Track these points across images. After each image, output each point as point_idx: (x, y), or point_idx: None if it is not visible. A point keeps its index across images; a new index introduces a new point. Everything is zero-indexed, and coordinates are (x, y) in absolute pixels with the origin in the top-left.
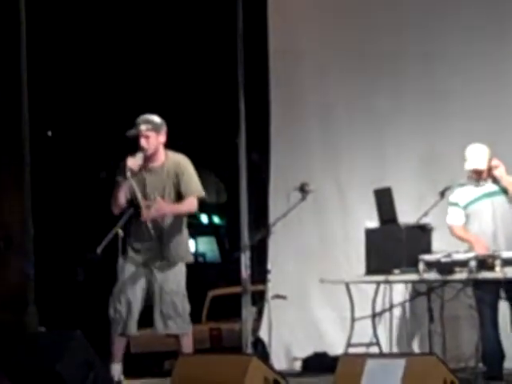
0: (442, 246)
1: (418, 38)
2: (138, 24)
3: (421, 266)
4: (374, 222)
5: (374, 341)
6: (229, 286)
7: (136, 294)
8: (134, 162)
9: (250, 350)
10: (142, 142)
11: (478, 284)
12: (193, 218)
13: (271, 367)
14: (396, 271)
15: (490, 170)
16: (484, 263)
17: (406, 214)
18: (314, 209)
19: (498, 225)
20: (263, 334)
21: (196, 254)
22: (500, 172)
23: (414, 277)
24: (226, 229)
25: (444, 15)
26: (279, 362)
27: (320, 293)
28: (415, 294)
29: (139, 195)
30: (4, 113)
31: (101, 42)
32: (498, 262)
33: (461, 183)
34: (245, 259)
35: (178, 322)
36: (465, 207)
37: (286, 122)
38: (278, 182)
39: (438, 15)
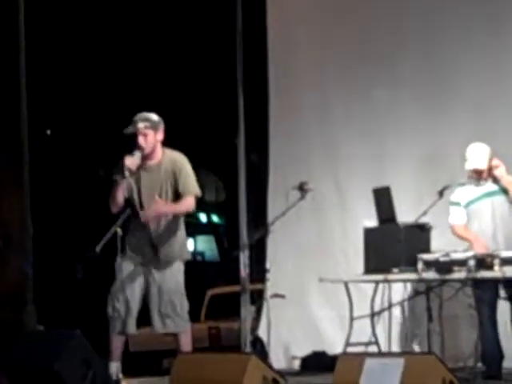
0: (440, 246)
1: (418, 30)
2: (136, 22)
3: (419, 266)
4: (372, 221)
5: (373, 340)
6: (227, 285)
7: (134, 293)
8: (132, 161)
9: (248, 348)
10: (140, 140)
11: (477, 283)
12: (192, 217)
13: (270, 366)
14: (395, 270)
15: (490, 169)
16: (483, 262)
17: (405, 213)
18: (312, 207)
19: (497, 224)
20: (262, 332)
21: (195, 253)
22: (500, 172)
23: (412, 276)
24: (224, 228)
25: (443, 8)
26: (278, 360)
27: (319, 292)
28: (414, 294)
29: (137, 197)
30: (3, 111)
31: (99, 41)
32: (496, 262)
33: (461, 183)
34: (244, 258)
35: (176, 320)
36: (465, 206)
37: (285, 119)
38: (277, 180)
39: (437, 8)
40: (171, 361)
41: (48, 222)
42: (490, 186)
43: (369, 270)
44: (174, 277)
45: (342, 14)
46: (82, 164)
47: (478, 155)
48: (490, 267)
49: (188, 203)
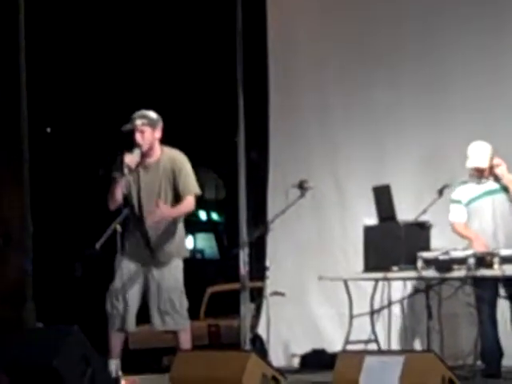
0: (440, 244)
1: (418, 31)
2: (136, 21)
3: (419, 264)
4: (372, 219)
5: (373, 338)
6: (227, 283)
7: (134, 290)
8: (131, 159)
9: (248, 346)
10: (137, 137)
11: (476, 282)
12: (191, 215)
13: (269, 364)
14: (394, 268)
15: (491, 168)
16: (482, 261)
17: (405, 212)
18: (312, 206)
19: (498, 223)
20: (261, 330)
21: (194, 251)
22: (501, 170)
23: (412, 274)
24: (224, 225)
25: (443, 8)
26: (277, 358)
27: (318, 290)
28: (414, 292)
29: (135, 194)
30: (3, 109)
31: (99, 40)
32: (496, 260)
33: (462, 181)
34: (243, 256)
35: (175, 318)
36: (466, 204)
37: (285, 117)
38: (277, 178)
39: (436, 8)
40: (171, 358)
41: (48, 220)
42: (491, 185)
43: (368, 268)
44: (173, 274)
45: (342, 15)
46: (81, 162)
47: (479, 153)
48: (490, 265)
49: (189, 203)
